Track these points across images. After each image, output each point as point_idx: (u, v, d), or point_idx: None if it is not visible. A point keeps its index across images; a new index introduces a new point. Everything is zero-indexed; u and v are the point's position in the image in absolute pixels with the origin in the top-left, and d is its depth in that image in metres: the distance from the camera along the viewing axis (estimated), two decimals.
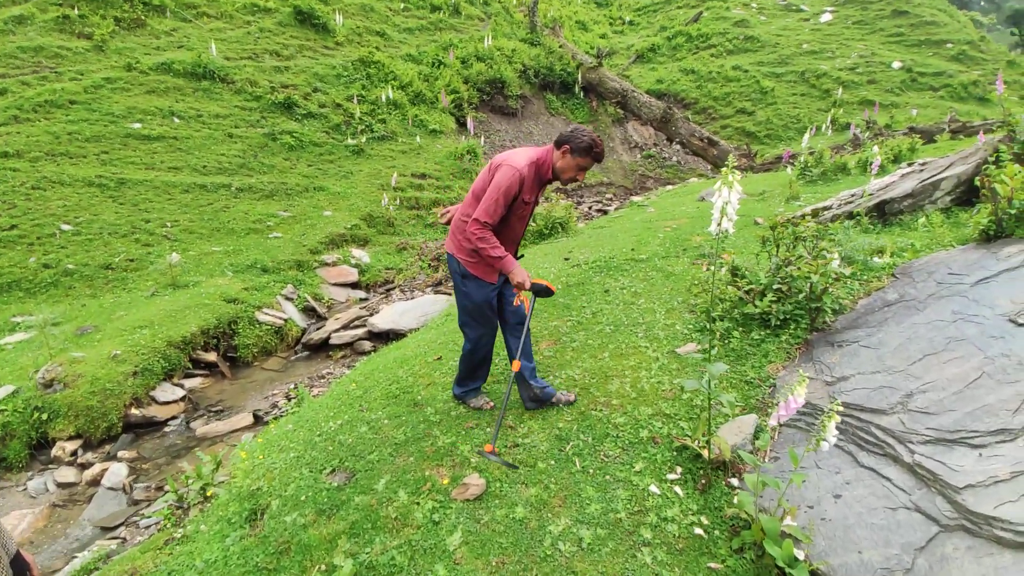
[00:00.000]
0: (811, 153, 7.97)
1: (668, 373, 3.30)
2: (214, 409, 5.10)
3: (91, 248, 7.19)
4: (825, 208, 5.12)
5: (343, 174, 10.12)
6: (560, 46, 16.50)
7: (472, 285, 2.83)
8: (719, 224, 2.10)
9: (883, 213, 4.67)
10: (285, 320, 6.53)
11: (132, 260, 7.22)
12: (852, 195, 5.08)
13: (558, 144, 2.71)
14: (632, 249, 5.67)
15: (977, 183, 3.97)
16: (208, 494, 3.27)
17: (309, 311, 7.08)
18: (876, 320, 3.01)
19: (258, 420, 4.77)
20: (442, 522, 2.40)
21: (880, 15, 18.93)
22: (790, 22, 19.74)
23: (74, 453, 4.57)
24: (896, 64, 15.88)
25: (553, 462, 2.72)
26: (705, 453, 2.49)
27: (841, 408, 1.83)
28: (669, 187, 12.90)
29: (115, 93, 9.63)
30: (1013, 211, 3.48)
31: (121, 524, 3.77)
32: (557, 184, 11.00)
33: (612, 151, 15.03)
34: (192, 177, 8.68)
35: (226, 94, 10.52)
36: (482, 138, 12.96)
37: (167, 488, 3.56)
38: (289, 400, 4.98)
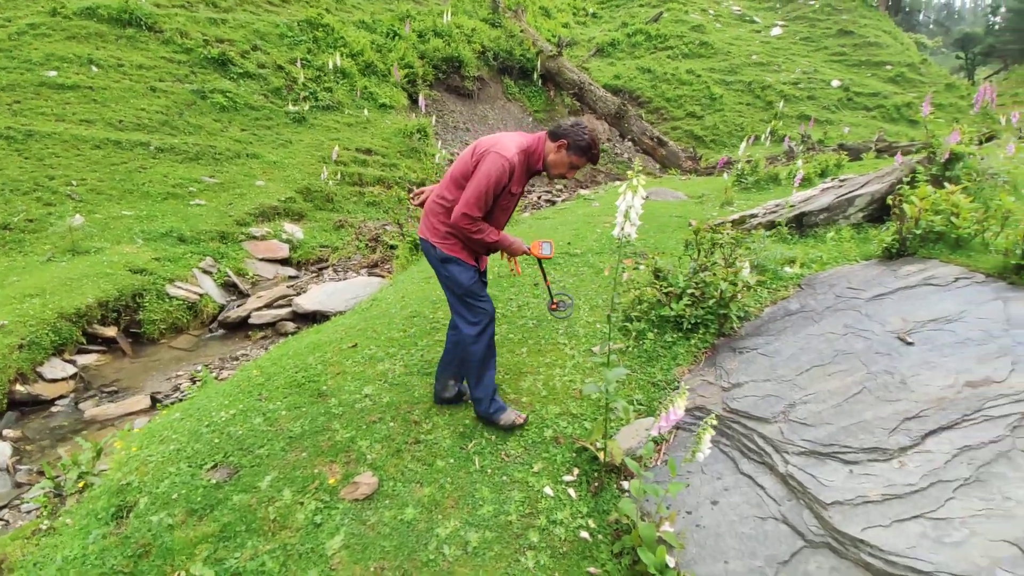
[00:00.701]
0: (748, 162, 8.23)
1: (582, 372, 3.30)
2: (108, 390, 4.70)
3: None
4: (752, 216, 5.28)
5: (281, 142, 9.55)
6: (521, 31, 16.22)
7: (455, 268, 2.63)
8: (622, 228, 2.07)
9: (801, 225, 4.86)
10: (201, 295, 6.11)
11: (31, 220, 6.56)
12: (777, 205, 5.27)
13: (554, 136, 2.49)
14: (569, 243, 5.65)
15: (889, 202, 4.16)
16: (81, 484, 3.02)
17: (230, 287, 6.66)
18: (776, 329, 3.11)
19: (156, 404, 4.44)
20: (324, 524, 2.28)
21: (826, 33, 19.76)
22: (743, 32, 20.27)
23: None
24: (835, 83, 16.67)
25: (453, 460, 2.66)
26: (601, 456, 2.49)
27: (715, 422, 1.85)
28: (618, 182, 13.04)
29: (36, 39, 8.77)
30: (919, 231, 3.67)
31: (4, 506, 3.56)
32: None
33: None
34: (106, 132, 7.92)
35: (152, 44, 9.65)
36: (434, 117, 12.58)
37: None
38: (194, 383, 4.66)
